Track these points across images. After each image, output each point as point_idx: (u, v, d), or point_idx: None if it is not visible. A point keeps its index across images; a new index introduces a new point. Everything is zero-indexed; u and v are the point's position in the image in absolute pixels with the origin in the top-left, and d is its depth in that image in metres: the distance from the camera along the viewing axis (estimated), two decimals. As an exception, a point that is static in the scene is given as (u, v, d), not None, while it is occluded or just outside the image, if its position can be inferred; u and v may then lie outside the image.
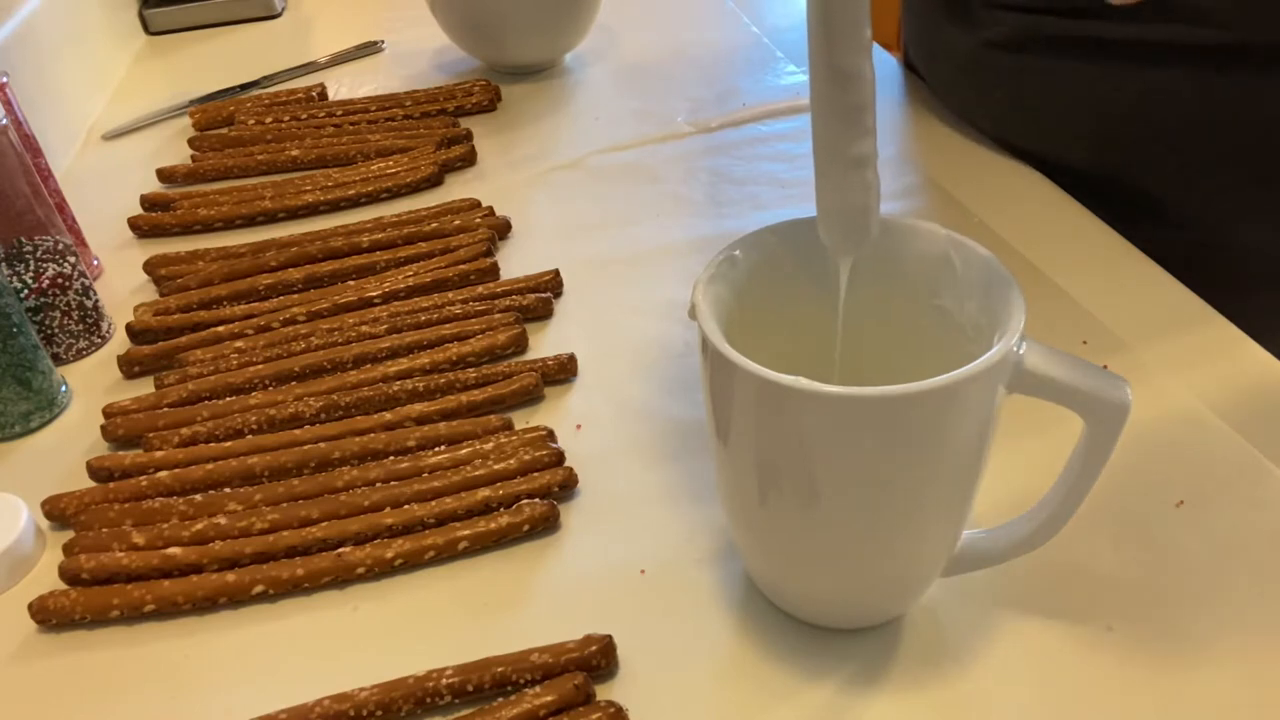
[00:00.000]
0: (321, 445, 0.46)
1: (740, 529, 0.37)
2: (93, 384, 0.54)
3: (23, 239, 0.55)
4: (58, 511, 0.45)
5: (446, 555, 0.41)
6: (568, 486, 0.44)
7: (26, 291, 0.52)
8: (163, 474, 0.45)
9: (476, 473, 0.43)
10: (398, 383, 0.49)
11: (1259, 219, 0.56)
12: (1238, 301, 0.50)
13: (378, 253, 0.59)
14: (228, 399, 0.50)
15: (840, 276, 0.36)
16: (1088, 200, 0.58)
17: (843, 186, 0.33)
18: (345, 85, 0.84)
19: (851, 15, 0.30)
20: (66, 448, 0.49)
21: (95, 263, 0.63)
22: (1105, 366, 0.32)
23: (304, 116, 0.76)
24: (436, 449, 0.45)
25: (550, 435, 0.46)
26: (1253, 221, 0.56)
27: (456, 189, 0.68)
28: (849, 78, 0.31)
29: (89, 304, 0.55)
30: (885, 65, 0.76)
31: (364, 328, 0.53)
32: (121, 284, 0.61)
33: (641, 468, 0.45)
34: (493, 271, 0.57)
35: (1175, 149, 0.55)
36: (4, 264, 0.53)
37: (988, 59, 0.61)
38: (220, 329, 0.54)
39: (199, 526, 0.42)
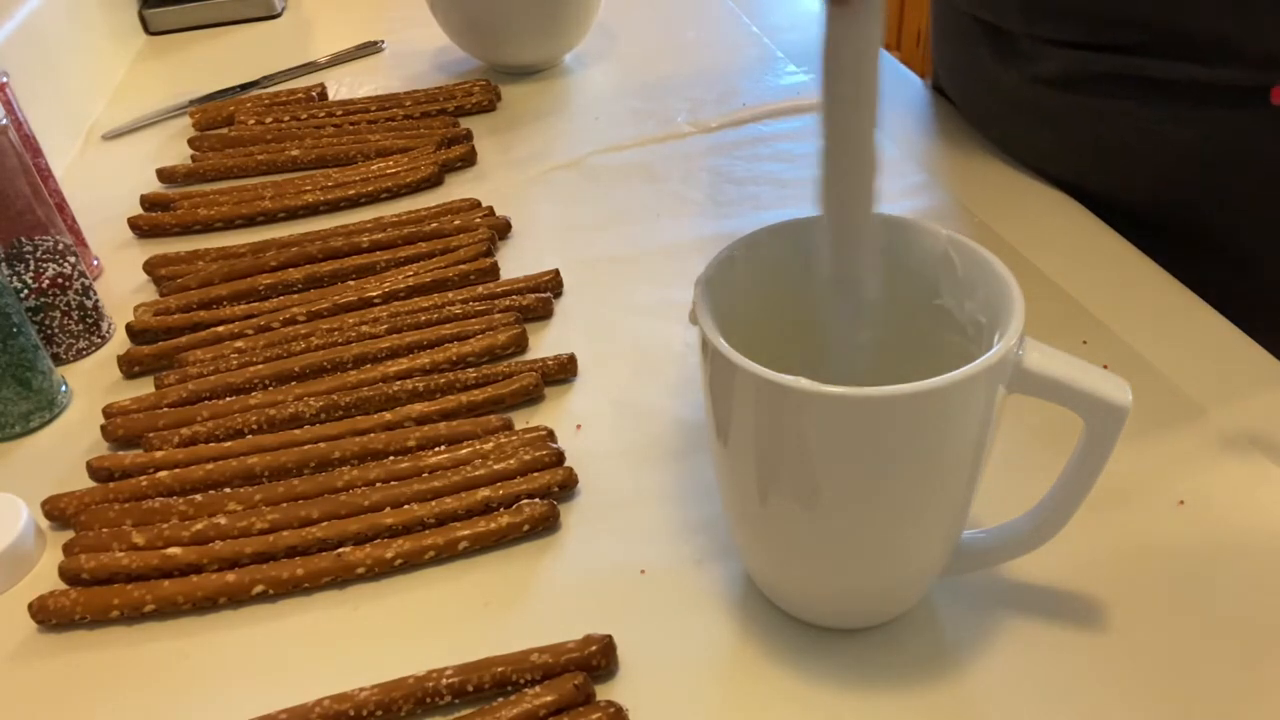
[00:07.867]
0: (321, 445, 0.46)
1: (740, 529, 0.37)
2: (93, 384, 0.53)
3: (23, 239, 0.55)
4: (58, 511, 0.45)
5: (446, 555, 0.41)
6: (568, 486, 0.44)
7: (26, 291, 0.52)
8: (163, 474, 0.45)
9: (476, 473, 0.43)
10: (398, 383, 0.49)
11: None
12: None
13: (378, 253, 0.59)
14: (228, 399, 0.50)
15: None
16: (1144, 239, 0.55)
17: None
18: (345, 85, 0.84)
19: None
20: (66, 448, 0.49)
21: (95, 263, 0.63)
22: (1105, 366, 0.32)
23: (304, 116, 0.76)
24: (436, 449, 0.45)
25: (550, 435, 0.46)
26: None
27: (456, 189, 0.68)
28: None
29: (89, 304, 0.55)
30: (910, 88, 0.74)
31: (364, 328, 0.53)
32: (121, 284, 0.61)
33: (641, 468, 0.45)
34: (493, 271, 0.57)
35: (1241, 188, 0.53)
36: (4, 264, 0.53)
37: (1034, 96, 0.58)
38: (220, 329, 0.54)
39: (199, 526, 0.42)
